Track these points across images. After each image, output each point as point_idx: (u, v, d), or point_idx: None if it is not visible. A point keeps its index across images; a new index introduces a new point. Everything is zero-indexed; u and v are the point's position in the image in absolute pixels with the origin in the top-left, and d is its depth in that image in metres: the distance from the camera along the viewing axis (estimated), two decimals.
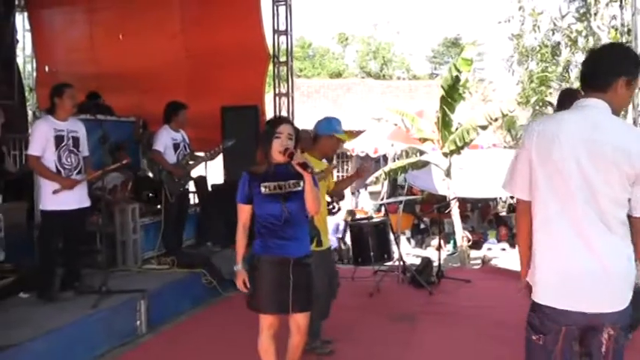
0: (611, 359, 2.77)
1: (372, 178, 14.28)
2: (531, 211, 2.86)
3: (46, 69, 11.52)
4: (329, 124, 5.42)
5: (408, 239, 16.17)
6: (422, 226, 16.53)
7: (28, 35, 12.04)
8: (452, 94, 11.92)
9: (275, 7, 10.20)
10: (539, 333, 2.81)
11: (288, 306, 4.03)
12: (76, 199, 6.04)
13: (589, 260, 2.68)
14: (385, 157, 17.84)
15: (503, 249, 15.33)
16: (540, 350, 2.82)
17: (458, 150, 12.17)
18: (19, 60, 12.24)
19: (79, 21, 11.22)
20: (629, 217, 2.74)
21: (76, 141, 6.09)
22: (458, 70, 11.57)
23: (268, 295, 4.02)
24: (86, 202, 6.22)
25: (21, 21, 11.91)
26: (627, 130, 2.79)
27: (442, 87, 12.18)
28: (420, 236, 16.39)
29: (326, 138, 5.36)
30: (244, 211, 4.09)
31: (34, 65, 12.05)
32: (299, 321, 4.15)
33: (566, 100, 5.64)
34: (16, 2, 11.50)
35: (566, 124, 2.76)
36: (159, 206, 7.82)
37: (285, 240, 4.04)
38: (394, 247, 8.40)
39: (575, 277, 2.70)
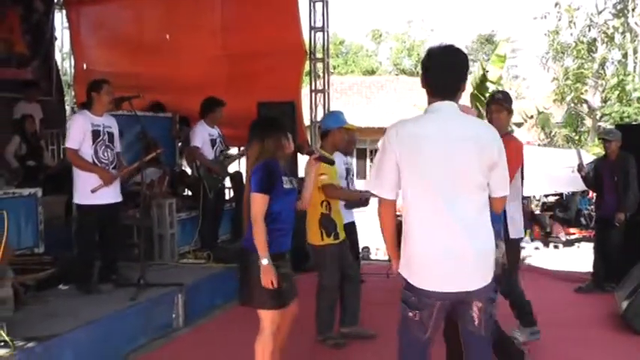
0: (484, 328, 3.11)
1: None
2: (396, 208, 3.17)
3: (84, 66, 11.64)
4: (337, 118, 5.67)
5: None
6: None
7: (66, 32, 12.17)
8: (481, 90, 11.82)
9: (312, 4, 10.24)
10: (415, 309, 3.06)
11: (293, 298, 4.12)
12: (111, 194, 6.11)
13: (454, 244, 2.93)
14: None
15: (537, 248, 15.19)
16: (416, 325, 3.10)
17: None
18: (57, 57, 12.41)
19: (120, 20, 11.30)
20: (490, 198, 3.09)
21: (111, 136, 6.16)
22: (483, 68, 11.49)
23: (286, 290, 4.01)
24: (119, 197, 6.28)
25: (59, 18, 12.07)
26: (481, 125, 3.17)
27: (472, 84, 12.10)
28: None
29: (335, 131, 5.56)
30: (265, 203, 3.94)
31: (72, 62, 12.16)
32: (296, 310, 4.19)
33: None
34: (55, 0, 11.64)
35: (429, 124, 3.04)
36: (196, 201, 7.88)
37: (286, 235, 4.10)
38: None
39: (442, 260, 2.95)
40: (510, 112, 5.25)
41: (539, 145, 21.02)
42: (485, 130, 3.09)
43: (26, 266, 6.24)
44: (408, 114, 15.82)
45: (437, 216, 2.96)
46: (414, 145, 2.99)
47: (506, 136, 4.74)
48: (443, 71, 3.08)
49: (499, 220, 4.17)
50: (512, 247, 4.97)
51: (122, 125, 7.49)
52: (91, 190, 5.93)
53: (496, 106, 5.25)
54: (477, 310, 3.05)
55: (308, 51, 10.12)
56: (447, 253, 2.94)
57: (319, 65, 10.36)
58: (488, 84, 11.99)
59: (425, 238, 2.99)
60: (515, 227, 5.18)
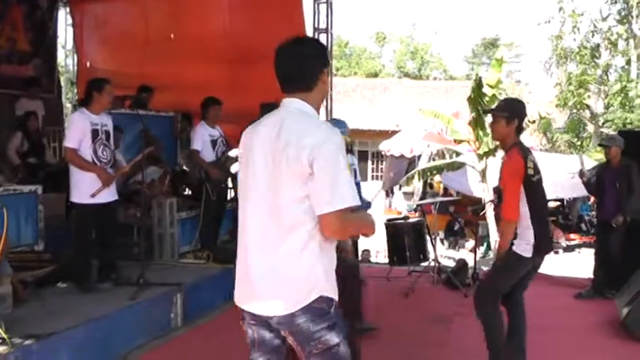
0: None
1: (404, 179, 14.23)
2: None
3: (88, 64, 11.64)
4: (335, 125, 5.49)
5: (442, 240, 16.07)
6: (456, 227, 16.39)
7: (70, 29, 12.16)
8: (479, 94, 11.80)
9: (316, 5, 10.24)
10: (243, 320, 2.83)
11: None
12: (108, 193, 6.11)
13: (264, 263, 2.65)
14: (419, 157, 17.74)
15: None
16: (249, 337, 2.85)
17: (492, 152, 12.03)
18: (61, 54, 12.43)
19: (126, 18, 11.27)
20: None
21: (107, 135, 6.17)
22: (476, 74, 11.48)
23: None
24: (115, 196, 6.28)
25: (63, 15, 12.06)
26: (308, 127, 2.63)
27: (472, 88, 12.08)
28: (452, 238, 16.28)
29: None
30: None
31: (75, 59, 12.16)
32: None
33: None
34: None
35: (260, 129, 2.76)
36: (197, 201, 7.88)
37: None
38: (430, 248, 8.35)
39: (250, 279, 2.69)
40: (510, 120, 4.56)
41: (540, 150, 21.00)
42: (305, 133, 2.58)
43: (25, 263, 6.26)
44: (410, 117, 15.83)
45: (242, 229, 2.75)
46: (245, 147, 2.81)
47: (508, 154, 4.58)
48: (283, 63, 2.75)
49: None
50: (508, 261, 4.58)
51: (123, 124, 7.54)
52: (91, 195, 5.93)
53: (493, 116, 4.75)
54: (291, 341, 2.72)
55: None
56: (242, 270, 2.74)
57: None
58: (486, 88, 11.95)
59: (243, 253, 2.75)
60: (521, 243, 4.51)
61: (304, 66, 2.74)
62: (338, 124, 5.55)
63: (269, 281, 2.64)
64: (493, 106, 4.82)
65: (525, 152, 4.53)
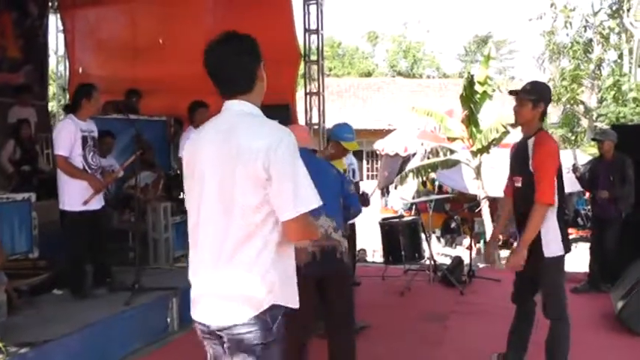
0: None
1: (397, 178, 14.25)
2: None
3: (80, 70, 11.64)
4: (340, 131, 5.44)
5: (438, 238, 16.10)
6: (452, 225, 16.40)
7: (61, 36, 12.16)
8: (471, 92, 11.82)
9: (306, 6, 10.21)
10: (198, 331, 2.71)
11: None
12: (98, 199, 6.13)
13: (216, 274, 2.50)
14: (414, 155, 17.74)
15: None
16: (208, 353, 2.77)
17: (486, 148, 12.04)
18: (52, 60, 12.42)
19: (115, 23, 11.30)
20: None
21: (94, 141, 6.18)
22: (468, 71, 11.52)
23: None
24: (102, 203, 6.27)
25: (54, 21, 12.05)
26: (257, 129, 2.46)
27: (464, 85, 12.11)
28: (449, 235, 16.29)
29: (333, 142, 5.46)
30: None
31: (66, 65, 12.14)
32: None
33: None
34: (50, 4, 11.62)
35: (204, 135, 2.59)
36: None
37: None
38: (425, 246, 8.35)
39: (202, 291, 2.57)
40: (537, 104, 4.28)
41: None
42: (255, 136, 2.42)
43: (20, 271, 6.25)
44: (404, 115, 15.81)
45: (193, 240, 2.60)
46: (190, 157, 2.62)
47: (538, 136, 4.28)
48: (214, 67, 2.58)
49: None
50: (544, 268, 4.35)
51: (116, 129, 7.51)
52: (83, 202, 5.93)
53: (517, 99, 4.41)
54: (226, 347, 2.59)
55: (302, 53, 10.11)
56: (196, 282, 2.60)
57: (314, 68, 10.32)
58: (477, 85, 11.99)
59: (194, 263, 2.62)
60: (548, 244, 4.26)
61: (237, 68, 2.55)
62: (345, 129, 5.47)
63: (220, 292, 2.50)
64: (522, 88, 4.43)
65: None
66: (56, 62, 12.98)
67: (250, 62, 2.57)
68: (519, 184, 4.43)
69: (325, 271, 4.07)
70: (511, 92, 4.59)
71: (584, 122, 23.43)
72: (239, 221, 2.44)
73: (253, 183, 2.39)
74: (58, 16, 11.95)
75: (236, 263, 2.46)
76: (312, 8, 10.17)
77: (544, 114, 4.38)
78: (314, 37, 10.23)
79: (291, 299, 2.58)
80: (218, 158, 2.46)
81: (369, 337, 5.83)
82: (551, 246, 4.25)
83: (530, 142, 4.31)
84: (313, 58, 10.33)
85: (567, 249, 4.35)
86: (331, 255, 4.07)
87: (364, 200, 5.90)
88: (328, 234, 4.06)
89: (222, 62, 2.55)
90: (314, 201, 2.43)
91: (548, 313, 4.42)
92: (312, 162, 4.30)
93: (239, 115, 2.52)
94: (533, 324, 4.64)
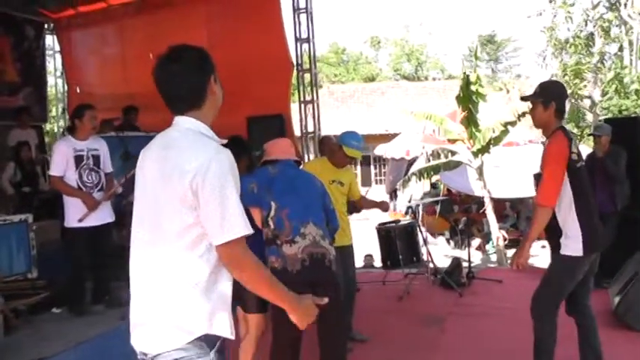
0: None
1: (400, 182, 14.27)
2: None
3: (77, 90, 11.76)
4: (347, 138, 5.58)
5: (448, 240, 16.06)
6: (460, 226, 16.36)
7: (59, 56, 12.30)
8: (468, 92, 11.82)
9: (296, 16, 10.22)
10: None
11: None
12: (99, 215, 6.17)
13: (150, 297, 2.39)
14: (415, 159, 17.76)
15: (544, 246, 15.09)
16: None
17: (486, 148, 12.01)
18: (51, 80, 12.55)
19: (110, 42, 11.47)
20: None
21: (96, 159, 6.24)
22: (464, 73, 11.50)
23: None
24: (109, 218, 6.33)
25: (51, 41, 12.19)
26: (194, 149, 2.34)
27: (460, 86, 12.10)
28: (458, 237, 16.25)
29: (337, 146, 5.62)
30: (257, 215, 4.13)
31: (65, 85, 12.28)
32: None
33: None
34: (45, 26, 11.76)
35: (150, 149, 2.51)
36: None
37: None
38: (424, 250, 8.35)
39: (137, 314, 2.44)
40: (547, 105, 4.29)
41: (542, 142, 20.93)
42: (189, 156, 2.32)
43: (19, 291, 6.30)
44: (409, 119, 15.76)
45: (133, 260, 2.47)
46: (139, 170, 2.53)
47: (551, 137, 4.28)
48: (163, 85, 2.46)
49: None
50: (559, 265, 4.36)
51: (111, 147, 7.59)
52: (78, 220, 6.01)
53: (531, 103, 4.46)
54: None
55: (295, 62, 10.16)
56: (132, 306, 2.47)
57: (307, 76, 10.37)
58: (472, 86, 11.98)
59: (132, 284, 2.49)
60: (568, 244, 4.23)
61: (186, 86, 2.45)
62: (352, 136, 5.58)
63: (153, 317, 2.38)
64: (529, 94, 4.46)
65: (569, 136, 4.26)
66: (62, 83, 13.13)
67: (199, 78, 2.47)
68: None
69: (315, 277, 4.10)
70: (522, 98, 4.64)
71: (589, 117, 23.34)
72: (171, 244, 2.34)
73: (183, 203, 2.30)
74: (55, 38, 12.09)
75: (168, 287, 2.35)
76: (303, 17, 10.19)
77: (560, 111, 4.37)
78: (306, 46, 10.25)
79: (224, 329, 2.44)
80: (159, 174, 2.38)
81: (365, 343, 5.86)
82: (570, 246, 4.20)
83: (546, 143, 4.37)
84: (306, 66, 10.37)
85: (592, 249, 4.21)
86: (320, 262, 4.11)
87: (353, 208, 5.94)
88: (316, 241, 4.11)
89: (168, 80, 2.44)
90: (242, 229, 2.29)
91: (533, 307, 4.42)
92: (296, 174, 4.39)
93: (185, 132, 2.44)
94: (597, 330, 4.48)
